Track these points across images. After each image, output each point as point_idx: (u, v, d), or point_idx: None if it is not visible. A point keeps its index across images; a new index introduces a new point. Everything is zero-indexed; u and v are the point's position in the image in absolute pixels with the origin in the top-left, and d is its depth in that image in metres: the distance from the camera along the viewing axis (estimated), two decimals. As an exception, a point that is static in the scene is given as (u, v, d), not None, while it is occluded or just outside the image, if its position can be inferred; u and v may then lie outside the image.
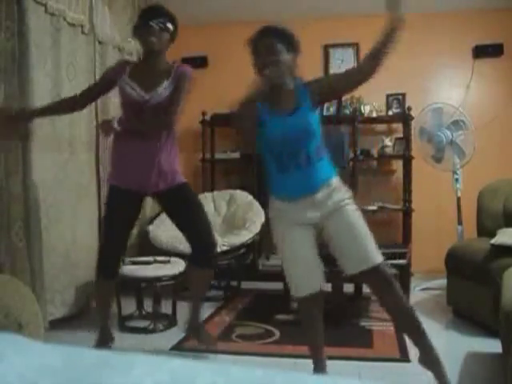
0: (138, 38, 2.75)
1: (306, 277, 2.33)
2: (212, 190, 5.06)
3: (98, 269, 2.84)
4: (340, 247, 2.28)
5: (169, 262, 3.53)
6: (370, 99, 4.88)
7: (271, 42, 2.17)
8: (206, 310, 3.80)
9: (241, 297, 4.27)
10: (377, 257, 2.21)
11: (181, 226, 2.90)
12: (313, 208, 2.23)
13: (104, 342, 2.87)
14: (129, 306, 3.58)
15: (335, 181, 2.28)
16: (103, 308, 2.95)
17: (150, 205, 4.81)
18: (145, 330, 3.35)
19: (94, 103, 3.88)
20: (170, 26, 2.70)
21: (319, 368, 2.43)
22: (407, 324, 2.34)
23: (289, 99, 2.21)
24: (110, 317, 3.00)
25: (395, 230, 4.95)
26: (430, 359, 2.28)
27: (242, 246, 4.28)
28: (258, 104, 2.21)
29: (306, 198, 2.22)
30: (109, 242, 2.84)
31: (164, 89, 2.68)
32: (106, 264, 2.83)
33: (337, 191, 2.25)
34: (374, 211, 4.82)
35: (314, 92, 2.22)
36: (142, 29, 2.68)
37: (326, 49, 5.17)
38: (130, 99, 2.69)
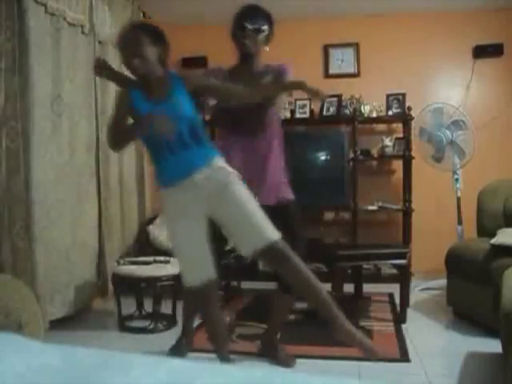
0: (233, 40, 2.62)
1: (193, 268, 2.28)
2: (212, 189, 5.05)
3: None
4: (231, 228, 2.23)
5: (169, 262, 3.53)
6: (370, 99, 4.88)
7: (135, 36, 2.19)
8: (206, 310, 3.80)
9: (241, 297, 4.27)
10: (272, 234, 2.14)
11: None
12: (195, 192, 2.18)
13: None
14: (129, 306, 3.58)
15: (215, 162, 2.22)
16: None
17: (149, 205, 4.81)
18: (145, 330, 3.35)
19: (94, 103, 3.90)
20: (265, 27, 2.58)
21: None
22: (314, 298, 2.32)
23: (161, 87, 2.22)
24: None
25: (395, 230, 4.94)
26: (343, 331, 2.27)
27: (242, 245, 4.27)
28: (130, 94, 2.22)
29: (185, 182, 2.18)
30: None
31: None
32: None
33: (217, 172, 2.20)
34: (374, 211, 4.83)
35: (189, 82, 2.25)
36: (236, 31, 2.57)
37: (326, 49, 5.17)
38: (229, 107, 2.53)
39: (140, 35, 2.19)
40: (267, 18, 2.58)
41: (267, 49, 2.62)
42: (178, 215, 2.24)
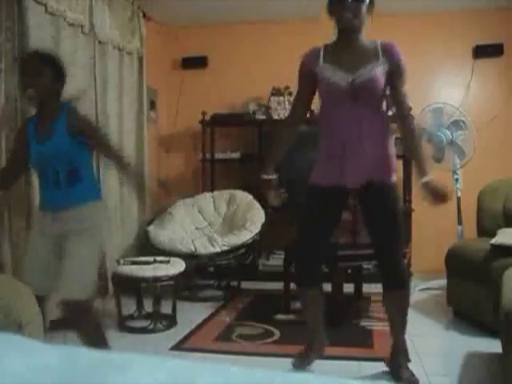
0: (332, 14, 2.37)
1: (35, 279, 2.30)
2: (212, 190, 5.06)
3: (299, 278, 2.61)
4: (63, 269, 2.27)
5: (169, 261, 3.53)
6: (370, 99, 4.88)
7: (34, 65, 2.23)
8: (206, 310, 3.80)
9: (241, 297, 4.27)
10: (81, 294, 2.22)
11: (373, 236, 2.52)
12: (56, 224, 2.28)
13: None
14: (129, 306, 3.58)
15: (85, 206, 2.28)
16: (313, 319, 2.67)
17: (149, 205, 4.81)
18: (145, 330, 3.35)
19: (94, 103, 3.90)
20: None
21: None
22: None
23: (47, 122, 2.27)
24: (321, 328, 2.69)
25: (395, 229, 4.94)
26: None
27: (242, 245, 4.28)
28: (27, 125, 2.34)
29: (50, 213, 2.29)
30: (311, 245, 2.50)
31: (372, 67, 2.31)
32: (308, 270, 2.55)
33: (80, 217, 2.27)
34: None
35: (72, 120, 2.26)
36: (334, 4, 2.31)
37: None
38: (331, 85, 2.33)
39: (40, 65, 2.22)
40: None
41: (370, 21, 2.38)
42: (38, 234, 2.35)
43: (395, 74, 2.37)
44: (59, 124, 2.25)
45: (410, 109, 2.46)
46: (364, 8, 2.28)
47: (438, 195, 2.29)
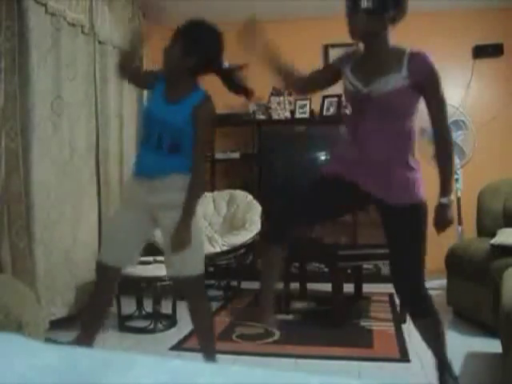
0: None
1: (109, 248, 2.38)
2: (212, 190, 5.06)
3: (267, 232, 2.45)
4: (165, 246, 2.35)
5: (169, 261, 3.52)
6: (370, 99, 4.88)
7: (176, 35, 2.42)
8: (206, 310, 3.80)
9: (241, 297, 4.27)
10: (195, 269, 2.33)
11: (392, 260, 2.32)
12: (151, 195, 2.28)
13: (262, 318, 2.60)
14: (129, 306, 3.58)
15: (180, 180, 2.27)
16: (267, 279, 2.49)
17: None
18: (145, 330, 3.35)
19: (94, 103, 3.90)
20: (377, 5, 2.15)
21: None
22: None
23: (175, 93, 2.36)
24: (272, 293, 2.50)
25: (395, 229, 4.94)
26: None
27: (242, 246, 4.28)
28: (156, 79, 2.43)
29: (146, 181, 2.29)
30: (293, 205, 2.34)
31: (389, 80, 2.14)
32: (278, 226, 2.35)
33: (177, 190, 2.26)
34: (374, 211, 4.82)
35: (197, 115, 2.36)
36: (348, 13, 2.18)
37: (326, 49, 5.17)
38: (349, 95, 2.27)
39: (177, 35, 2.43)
40: None
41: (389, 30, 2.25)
42: (128, 203, 2.38)
43: (426, 90, 2.19)
44: (186, 104, 2.32)
45: (448, 130, 2.25)
46: (368, 16, 2.12)
47: (444, 223, 2.20)
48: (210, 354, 2.44)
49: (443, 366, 2.31)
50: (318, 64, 5.19)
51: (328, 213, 2.43)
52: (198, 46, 2.34)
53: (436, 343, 2.32)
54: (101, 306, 2.46)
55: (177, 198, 2.24)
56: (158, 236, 2.64)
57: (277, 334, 3.25)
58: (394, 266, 2.27)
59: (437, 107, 2.21)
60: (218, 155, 5.18)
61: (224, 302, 4.11)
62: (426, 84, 2.20)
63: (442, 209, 2.21)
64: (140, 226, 2.38)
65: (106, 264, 2.34)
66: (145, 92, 4.66)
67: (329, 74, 2.40)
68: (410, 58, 2.18)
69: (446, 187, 2.24)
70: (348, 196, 2.31)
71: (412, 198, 2.18)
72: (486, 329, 3.10)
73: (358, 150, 2.21)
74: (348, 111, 2.39)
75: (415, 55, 2.20)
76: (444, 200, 2.22)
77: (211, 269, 4.62)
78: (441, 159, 2.25)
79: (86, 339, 2.41)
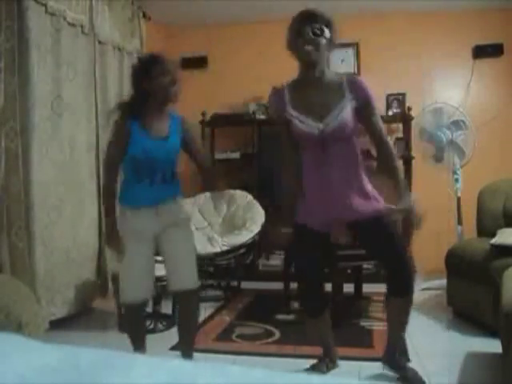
0: (293, 50, 2.31)
1: (136, 286, 2.51)
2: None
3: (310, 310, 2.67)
4: (167, 259, 2.57)
5: (169, 261, 3.52)
6: (370, 99, 4.88)
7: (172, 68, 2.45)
8: (206, 310, 3.80)
9: (241, 297, 4.27)
10: (195, 283, 2.55)
11: (373, 255, 2.67)
12: (155, 219, 2.47)
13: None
14: (129, 306, 3.57)
15: (179, 199, 2.58)
16: (325, 337, 2.68)
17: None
18: (145, 330, 3.34)
19: (94, 103, 3.90)
20: (327, 30, 2.28)
21: None
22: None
23: (158, 123, 2.43)
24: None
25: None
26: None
27: (242, 246, 4.28)
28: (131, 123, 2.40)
29: (150, 209, 2.46)
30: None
31: (339, 109, 2.28)
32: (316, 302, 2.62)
33: (178, 208, 2.57)
34: (374, 211, 4.82)
35: (184, 130, 2.53)
36: (297, 40, 2.27)
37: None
38: (302, 134, 2.31)
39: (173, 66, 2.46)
40: (327, 21, 2.30)
41: (330, 56, 2.41)
42: (134, 235, 2.46)
43: (366, 110, 2.36)
44: (173, 127, 2.46)
45: (388, 142, 2.49)
46: (324, 41, 2.25)
47: (408, 227, 2.37)
48: (187, 353, 2.63)
49: (398, 348, 2.59)
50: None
51: (325, 260, 2.65)
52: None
53: (404, 321, 2.56)
54: (141, 335, 2.68)
55: (180, 217, 2.54)
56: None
57: (277, 334, 3.25)
58: (381, 257, 2.55)
59: (376, 124, 2.41)
60: (218, 155, 5.18)
61: (224, 302, 4.11)
62: (366, 105, 2.34)
63: (406, 213, 2.38)
64: (151, 253, 2.56)
65: (137, 302, 2.52)
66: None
67: (287, 128, 2.39)
68: (349, 83, 2.32)
69: (401, 195, 2.38)
70: (326, 239, 2.53)
71: (379, 205, 2.41)
72: (486, 329, 3.10)
73: (320, 186, 2.36)
74: (301, 147, 2.38)
75: (353, 81, 2.34)
76: (403, 205, 2.35)
77: (211, 269, 4.62)
78: (389, 172, 2.45)
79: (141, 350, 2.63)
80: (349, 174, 2.36)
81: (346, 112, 2.28)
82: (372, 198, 2.41)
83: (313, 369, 2.62)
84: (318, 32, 2.24)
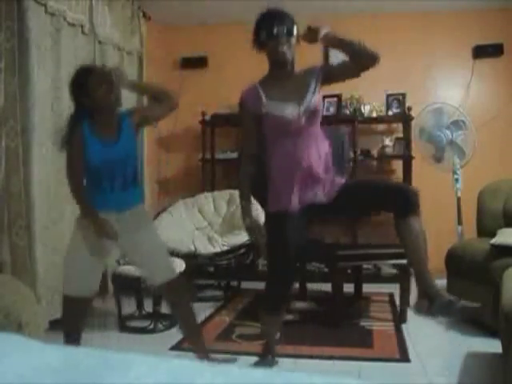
0: (262, 48, 2.39)
1: (79, 280, 2.50)
2: (212, 190, 5.05)
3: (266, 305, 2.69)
4: (144, 260, 2.55)
5: (169, 261, 3.52)
6: (370, 99, 4.88)
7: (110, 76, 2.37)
8: (206, 310, 3.80)
9: (241, 297, 4.27)
10: (174, 271, 2.62)
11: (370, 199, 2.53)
12: (116, 225, 2.42)
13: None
14: (129, 306, 3.58)
15: (141, 204, 2.56)
16: (271, 338, 2.75)
17: (149, 204, 4.81)
18: (145, 330, 3.35)
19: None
20: (294, 28, 2.35)
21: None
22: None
23: (109, 128, 2.39)
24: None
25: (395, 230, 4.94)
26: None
27: (242, 246, 4.28)
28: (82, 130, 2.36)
29: (111, 214, 2.41)
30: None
31: (311, 90, 2.38)
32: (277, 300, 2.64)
33: (140, 212, 2.53)
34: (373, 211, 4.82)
35: (137, 113, 2.46)
36: (266, 40, 2.32)
37: (326, 49, 5.16)
38: (282, 119, 2.34)
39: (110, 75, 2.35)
40: (292, 18, 2.37)
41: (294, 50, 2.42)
42: (88, 237, 2.45)
43: (328, 68, 2.52)
44: (124, 128, 2.39)
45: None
46: (294, 40, 2.34)
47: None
48: (202, 354, 2.58)
49: (429, 282, 2.50)
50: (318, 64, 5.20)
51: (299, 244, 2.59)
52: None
53: (421, 243, 2.42)
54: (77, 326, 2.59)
55: (142, 224, 2.51)
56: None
57: (277, 334, 3.25)
58: (380, 189, 2.50)
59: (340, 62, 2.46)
60: (218, 155, 5.18)
61: (224, 302, 4.11)
62: (325, 68, 2.51)
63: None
64: (100, 263, 2.57)
65: (76, 295, 2.49)
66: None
67: (255, 126, 2.44)
68: (309, 70, 2.43)
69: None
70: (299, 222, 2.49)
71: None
72: (486, 329, 3.10)
73: (298, 169, 2.38)
74: (273, 139, 2.42)
75: (310, 67, 2.44)
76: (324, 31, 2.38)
77: (211, 269, 4.62)
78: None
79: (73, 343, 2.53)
80: (322, 154, 2.43)
81: (316, 95, 2.38)
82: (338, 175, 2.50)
83: (261, 364, 2.67)
84: (290, 32, 2.32)
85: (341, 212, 2.85)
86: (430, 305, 2.40)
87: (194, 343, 2.64)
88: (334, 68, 2.50)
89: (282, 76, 2.41)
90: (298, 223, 2.45)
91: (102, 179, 2.38)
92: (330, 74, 2.43)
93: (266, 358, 2.72)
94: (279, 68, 2.40)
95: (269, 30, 2.31)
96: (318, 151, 2.42)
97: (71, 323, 2.56)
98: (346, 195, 2.47)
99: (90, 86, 2.30)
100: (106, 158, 2.34)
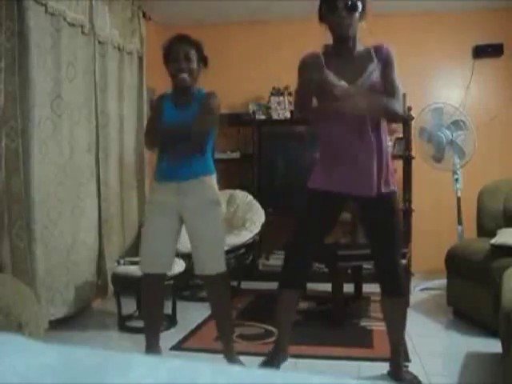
0: (325, 22, 2.38)
1: (154, 257, 2.56)
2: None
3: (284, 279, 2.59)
4: (195, 243, 2.57)
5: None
6: (370, 99, 4.88)
7: (186, 51, 2.52)
8: (206, 310, 3.80)
9: (241, 297, 4.27)
10: (223, 266, 2.59)
11: (374, 244, 2.53)
12: (177, 197, 2.49)
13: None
14: (129, 306, 3.58)
15: (207, 179, 2.53)
16: (283, 323, 2.66)
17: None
18: (145, 330, 3.34)
19: (94, 103, 3.90)
20: (359, 2, 2.29)
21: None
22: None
23: (183, 103, 2.53)
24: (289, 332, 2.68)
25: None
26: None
27: (242, 246, 4.28)
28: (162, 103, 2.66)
29: (173, 185, 2.48)
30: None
31: (369, 74, 2.33)
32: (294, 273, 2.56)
33: (205, 189, 2.51)
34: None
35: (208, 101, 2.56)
36: (327, 14, 2.32)
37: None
38: (333, 94, 2.31)
39: (194, 51, 2.58)
40: None
41: (364, 26, 2.39)
42: (158, 209, 2.52)
43: (386, 69, 2.38)
44: (194, 105, 2.48)
45: (395, 104, 2.36)
46: (357, 16, 2.30)
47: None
48: (229, 355, 2.66)
49: (398, 350, 2.57)
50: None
51: (331, 227, 2.62)
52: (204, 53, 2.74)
53: (400, 324, 2.55)
54: (156, 312, 2.68)
55: (203, 199, 2.49)
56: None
57: (277, 334, 3.24)
58: (376, 248, 2.51)
59: (393, 82, 2.37)
60: (218, 155, 5.17)
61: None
62: (385, 63, 2.39)
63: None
64: (173, 229, 2.57)
65: (153, 273, 2.55)
66: (145, 92, 4.66)
67: (315, 84, 2.37)
68: (375, 50, 2.39)
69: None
70: (339, 205, 2.53)
71: (394, 186, 2.45)
72: (486, 329, 3.10)
73: (347, 151, 2.35)
74: (328, 124, 2.38)
75: (378, 46, 2.41)
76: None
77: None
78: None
79: (153, 339, 2.65)
80: (379, 143, 2.34)
81: (374, 75, 2.33)
82: (392, 179, 2.43)
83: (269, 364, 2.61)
84: (353, 8, 2.26)
85: (362, 223, 2.68)
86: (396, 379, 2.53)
87: (223, 343, 2.68)
88: (387, 75, 2.37)
89: (343, 51, 2.38)
90: (333, 207, 2.49)
91: (166, 145, 2.48)
92: (383, 74, 2.36)
93: (276, 356, 2.63)
94: (340, 42, 2.38)
95: (331, 3, 2.28)
96: (372, 142, 2.32)
97: (152, 303, 2.63)
98: (372, 216, 2.46)
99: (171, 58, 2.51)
100: (173, 121, 2.47)
